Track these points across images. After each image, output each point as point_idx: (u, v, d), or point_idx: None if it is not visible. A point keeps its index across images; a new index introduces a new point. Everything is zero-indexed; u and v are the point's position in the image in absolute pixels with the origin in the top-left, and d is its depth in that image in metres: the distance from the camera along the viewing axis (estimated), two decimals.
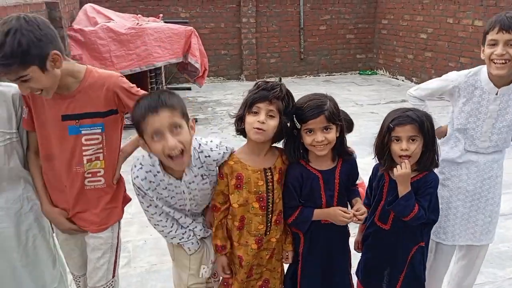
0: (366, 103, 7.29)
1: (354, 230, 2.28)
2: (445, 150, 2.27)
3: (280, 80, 1.91)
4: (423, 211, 1.93)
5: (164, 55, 5.83)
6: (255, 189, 1.90)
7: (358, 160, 2.12)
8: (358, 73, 9.87)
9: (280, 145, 2.00)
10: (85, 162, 1.84)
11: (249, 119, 1.83)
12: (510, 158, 4.79)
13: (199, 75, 6.22)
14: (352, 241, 2.20)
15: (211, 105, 7.36)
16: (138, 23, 6.16)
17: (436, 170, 2.16)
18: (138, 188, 1.83)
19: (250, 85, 7.28)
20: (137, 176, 1.81)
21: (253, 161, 1.92)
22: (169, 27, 5.98)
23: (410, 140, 1.91)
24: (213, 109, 7.09)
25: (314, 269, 2.05)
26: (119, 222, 2.01)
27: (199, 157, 1.86)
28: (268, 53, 9.21)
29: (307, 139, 1.87)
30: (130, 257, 3.07)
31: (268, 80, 1.88)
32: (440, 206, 2.25)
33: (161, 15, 7.74)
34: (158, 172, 1.82)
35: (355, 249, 2.27)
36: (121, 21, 6.30)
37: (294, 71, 9.49)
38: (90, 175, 1.87)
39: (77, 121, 1.78)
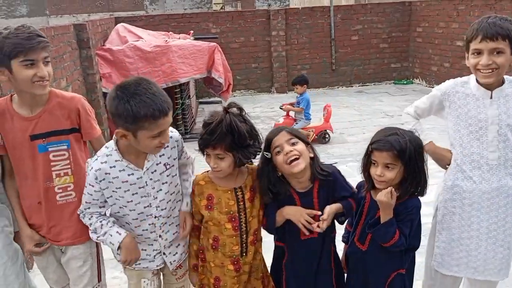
0: (397, 114, 7.09)
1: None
2: (451, 177, 2.11)
3: (226, 110, 1.82)
4: (404, 238, 1.86)
5: (188, 71, 5.98)
6: (226, 209, 1.90)
7: None
8: (393, 83, 9.63)
9: None
10: (54, 177, 1.96)
11: (206, 159, 1.89)
12: None
13: (224, 89, 6.32)
14: None
15: None
16: (167, 41, 6.37)
17: (447, 197, 2.07)
18: (94, 179, 1.84)
19: (280, 97, 7.49)
20: (92, 167, 1.85)
21: (223, 181, 1.93)
22: (192, 43, 6.14)
23: (386, 167, 1.84)
24: None
25: (298, 282, 2.03)
26: None
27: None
28: (298, 65, 9.20)
29: (279, 159, 1.87)
30: None
31: (213, 114, 1.83)
32: (452, 237, 2.13)
33: (191, 31, 7.95)
34: (116, 161, 1.84)
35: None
36: (151, 39, 6.53)
37: (326, 82, 9.41)
38: (61, 191, 1.98)
39: (44, 139, 1.91)
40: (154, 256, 2.01)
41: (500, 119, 1.97)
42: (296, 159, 1.86)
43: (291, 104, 5.99)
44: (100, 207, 1.93)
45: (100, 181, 1.84)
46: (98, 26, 6.50)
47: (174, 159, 1.98)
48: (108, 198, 1.89)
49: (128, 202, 1.89)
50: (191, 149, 2.08)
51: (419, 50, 9.24)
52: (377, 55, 9.47)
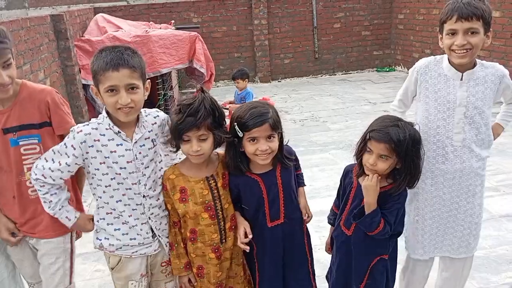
0: (379, 101, 7.15)
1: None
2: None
3: (202, 90, 1.83)
4: (389, 227, 1.87)
5: (169, 62, 5.91)
6: (201, 200, 1.88)
7: None
8: (376, 70, 9.67)
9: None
10: (25, 171, 1.90)
11: (183, 148, 1.84)
12: None
13: (206, 79, 6.26)
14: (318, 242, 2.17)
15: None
16: (147, 31, 6.27)
17: None
18: (80, 142, 1.77)
19: (264, 87, 7.28)
20: (81, 130, 1.78)
21: (194, 171, 1.90)
22: (173, 33, 6.05)
23: (381, 158, 1.83)
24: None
25: (273, 269, 2.03)
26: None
27: (146, 120, 1.87)
28: (281, 53, 9.18)
29: (250, 148, 1.84)
30: None
31: (188, 98, 1.81)
32: (415, 218, 2.18)
33: (172, 21, 7.85)
34: (106, 129, 1.79)
35: (326, 251, 2.25)
36: (131, 30, 6.43)
37: (309, 71, 9.41)
38: (32, 185, 1.90)
39: (14, 133, 1.86)
40: (151, 237, 1.94)
41: (468, 101, 1.99)
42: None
43: (232, 102, 5.74)
44: (60, 178, 1.83)
45: (89, 147, 1.78)
46: (77, 17, 6.37)
47: (159, 137, 1.96)
48: (96, 170, 1.82)
49: (116, 174, 1.81)
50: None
51: (400, 37, 9.28)
52: (360, 43, 9.49)
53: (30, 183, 1.90)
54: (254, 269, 2.08)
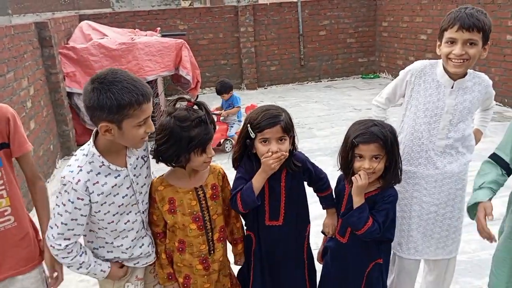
0: (365, 107, 7.22)
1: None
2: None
3: (197, 98, 1.87)
4: (377, 225, 1.87)
5: (155, 69, 5.90)
6: (189, 210, 1.87)
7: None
8: (361, 77, 9.78)
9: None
10: None
11: (199, 159, 1.81)
12: None
13: (192, 87, 6.27)
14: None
15: None
16: (132, 38, 6.25)
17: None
18: (83, 191, 1.65)
19: (250, 94, 7.27)
20: (79, 180, 1.64)
21: (183, 182, 1.89)
22: (159, 40, 6.05)
23: (374, 159, 1.85)
24: None
25: (264, 271, 2.03)
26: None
27: None
28: (268, 61, 9.22)
29: (262, 149, 1.85)
30: None
31: (192, 110, 1.80)
32: (404, 214, 2.20)
33: (158, 28, 7.84)
34: (100, 166, 1.69)
35: (317, 260, 2.24)
36: (116, 37, 6.41)
37: (295, 77, 9.47)
38: None
39: None
40: (150, 248, 1.93)
41: (455, 109, 2.04)
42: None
43: (217, 109, 5.75)
44: (84, 229, 1.74)
45: (90, 193, 1.67)
46: (61, 24, 6.33)
47: (145, 150, 1.93)
48: (96, 212, 1.72)
49: (119, 206, 1.76)
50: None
51: (385, 45, 9.41)
52: (345, 50, 9.59)
53: None
54: (250, 266, 2.07)
